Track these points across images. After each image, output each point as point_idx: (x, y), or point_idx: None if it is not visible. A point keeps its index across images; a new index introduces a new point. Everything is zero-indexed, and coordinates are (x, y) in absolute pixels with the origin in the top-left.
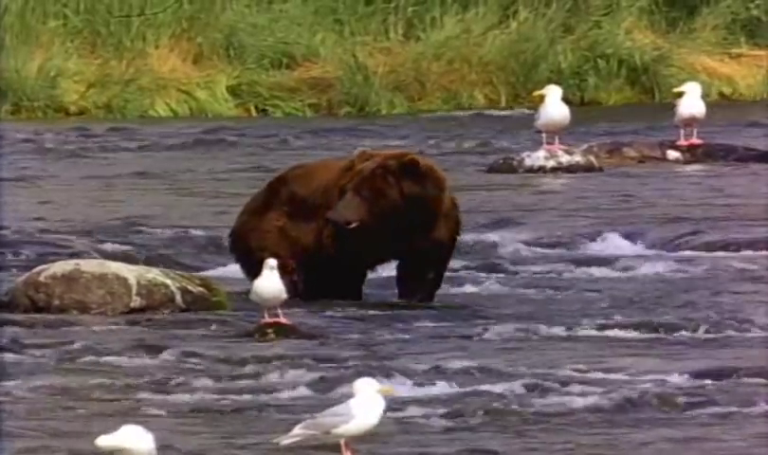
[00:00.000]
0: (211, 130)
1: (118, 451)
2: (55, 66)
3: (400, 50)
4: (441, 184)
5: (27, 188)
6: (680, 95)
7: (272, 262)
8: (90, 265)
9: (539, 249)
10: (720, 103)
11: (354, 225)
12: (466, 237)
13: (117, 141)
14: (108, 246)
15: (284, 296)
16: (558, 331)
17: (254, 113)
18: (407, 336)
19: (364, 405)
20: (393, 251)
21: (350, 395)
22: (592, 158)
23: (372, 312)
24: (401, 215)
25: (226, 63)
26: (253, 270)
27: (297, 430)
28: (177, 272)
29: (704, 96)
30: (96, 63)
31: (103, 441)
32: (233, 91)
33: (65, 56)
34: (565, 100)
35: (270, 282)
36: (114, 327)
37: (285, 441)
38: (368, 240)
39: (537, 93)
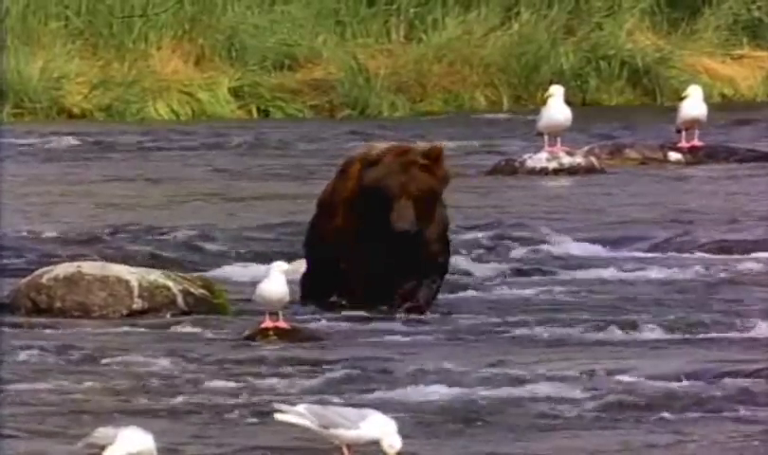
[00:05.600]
0: (213, 131)
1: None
2: (57, 68)
3: (401, 52)
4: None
5: (29, 190)
6: (683, 97)
7: (281, 265)
8: (92, 268)
9: (539, 251)
10: (721, 105)
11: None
12: (468, 237)
13: (119, 143)
14: (110, 249)
15: (287, 299)
16: (559, 332)
17: (256, 114)
18: (408, 339)
19: (378, 422)
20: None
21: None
22: (593, 160)
23: (373, 314)
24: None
25: (227, 64)
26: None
27: (301, 409)
28: (179, 274)
29: (706, 97)
30: (98, 64)
31: (111, 452)
32: (235, 93)
33: (67, 57)
34: (567, 101)
35: (273, 285)
36: (115, 329)
37: (284, 416)
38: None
39: (546, 94)
